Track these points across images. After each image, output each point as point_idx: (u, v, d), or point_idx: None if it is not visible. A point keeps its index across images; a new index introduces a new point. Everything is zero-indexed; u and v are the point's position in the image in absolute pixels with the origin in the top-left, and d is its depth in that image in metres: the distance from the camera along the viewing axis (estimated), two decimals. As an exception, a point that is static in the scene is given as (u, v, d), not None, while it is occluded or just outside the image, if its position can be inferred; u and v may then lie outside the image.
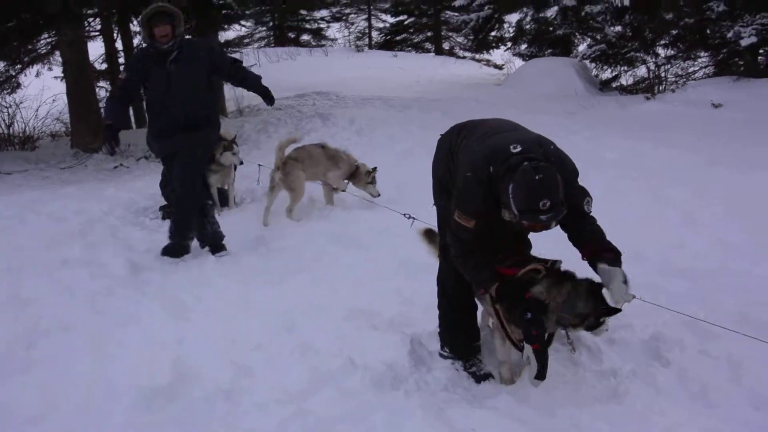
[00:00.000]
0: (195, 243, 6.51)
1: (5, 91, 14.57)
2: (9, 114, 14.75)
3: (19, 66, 14.47)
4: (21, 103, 14.63)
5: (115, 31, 15.61)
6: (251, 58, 20.70)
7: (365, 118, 12.59)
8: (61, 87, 14.34)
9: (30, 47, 14.05)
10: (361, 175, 7.69)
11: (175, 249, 6.36)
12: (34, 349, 4.35)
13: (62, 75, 14.42)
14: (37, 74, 15.35)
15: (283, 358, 4.20)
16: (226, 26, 15.05)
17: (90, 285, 5.46)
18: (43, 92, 14.92)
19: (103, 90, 15.98)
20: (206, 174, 7.33)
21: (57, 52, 14.46)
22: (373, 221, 6.97)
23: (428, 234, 4.83)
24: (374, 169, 7.72)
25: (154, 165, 10.83)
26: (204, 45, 6.20)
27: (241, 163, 7.98)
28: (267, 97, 6.33)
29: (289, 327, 4.63)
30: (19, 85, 14.73)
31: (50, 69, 15.45)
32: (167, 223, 7.42)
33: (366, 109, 13.93)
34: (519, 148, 3.37)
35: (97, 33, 15.32)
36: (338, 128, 11.92)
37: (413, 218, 5.37)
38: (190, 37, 6.13)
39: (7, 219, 7.38)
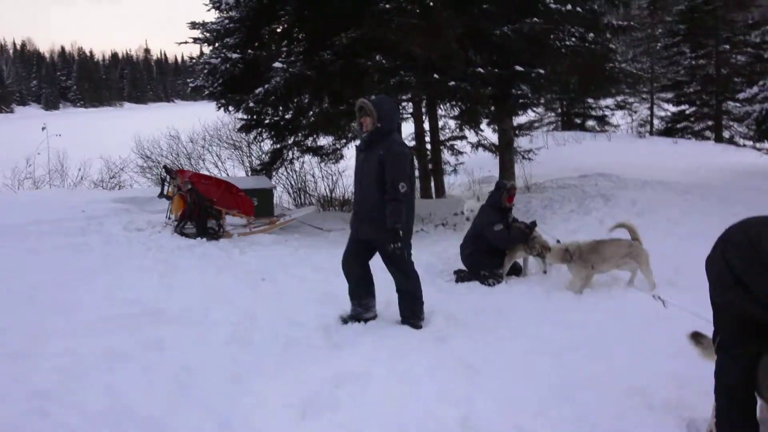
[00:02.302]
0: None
1: (331, 161, 16.14)
2: (332, 180, 16.56)
3: (343, 141, 15.98)
4: (343, 171, 16.36)
5: (424, 114, 16.85)
6: (540, 140, 21.07)
7: (646, 200, 12.10)
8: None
9: (353, 125, 15.61)
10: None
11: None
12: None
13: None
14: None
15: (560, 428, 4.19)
16: (520, 112, 15.50)
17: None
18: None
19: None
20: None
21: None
22: (646, 299, 6.68)
23: (695, 337, 4.46)
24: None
25: (450, 231, 11.42)
26: (386, 144, 5.62)
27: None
28: (386, 239, 5.74)
29: (569, 397, 4.56)
30: (342, 157, 16.19)
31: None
32: (461, 286, 7.83)
33: (646, 192, 13.38)
34: None
35: (408, 116, 16.69)
36: (620, 209, 11.58)
37: (662, 300, 5.08)
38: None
39: (325, 271, 8.12)
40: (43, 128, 23.53)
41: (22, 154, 18.35)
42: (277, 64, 10.83)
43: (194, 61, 14.06)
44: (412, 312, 6.08)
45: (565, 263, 7.32)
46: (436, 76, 10.69)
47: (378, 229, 5.74)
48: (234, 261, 8.70)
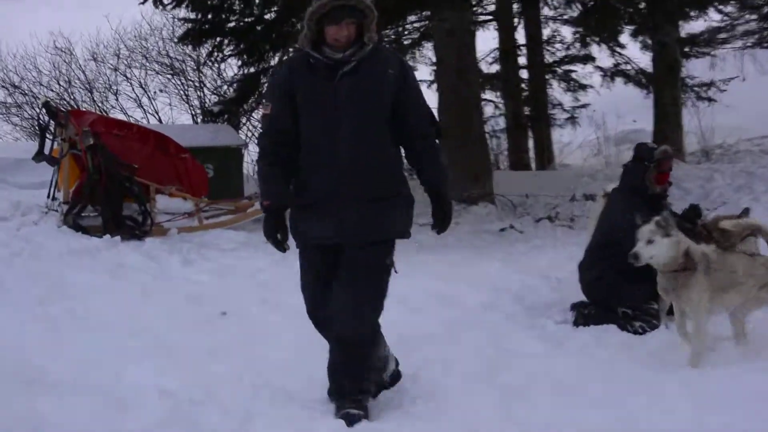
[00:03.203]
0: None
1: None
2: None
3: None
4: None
5: (516, 17, 16.67)
6: (729, 65, 20.65)
7: None
8: (428, 98, 15.69)
9: (386, 35, 15.42)
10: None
11: None
12: None
13: (431, 79, 15.73)
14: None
15: None
16: (693, 12, 15.26)
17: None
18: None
19: (489, 105, 17.17)
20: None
21: (427, 45, 15.81)
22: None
23: None
24: None
25: (561, 231, 11.24)
26: (393, 59, 5.76)
27: None
28: (439, 209, 5.81)
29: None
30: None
31: (414, 70, 17.02)
32: (584, 332, 7.65)
33: None
34: None
35: (488, 18, 16.54)
36: None
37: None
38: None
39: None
40: None
41: None
42: None
43: None
44: (355, 381, 5.96)
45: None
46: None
47: (390, 214, 5.69)
48: (171, 278, 8.75)
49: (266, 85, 4.86)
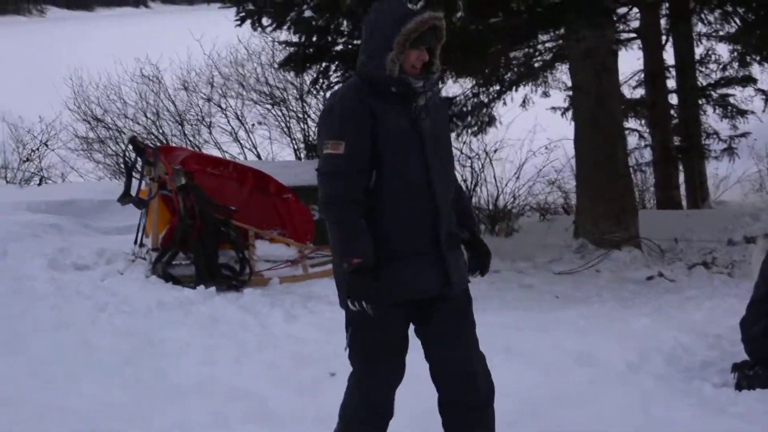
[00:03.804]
0: None
1: (471, 129, 16.26)
2: (475, 170, 16.46)
3: (494, 88, 16.02)
4: (495, 151, 16.34)
5: (664, 34, 16.54)
6: None
7: None
8: (563, 128, 15.56)
9: (514, 57, 15.52)
10: None
11: None
12: None
13: (565, 107, 15.69)
14: (524, 103, 16.90)
15: None
16: None
17: None
18: (532, 136, 16.31)
19: (633, 136, 17.04)
20: None
21: (560, 68, 15.76)
22: None
23: None
24: None
25: (719, 280, 11.08)
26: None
27: None
28: (479, 244, 5.84)
29: None
30: (491, 121, 16.29)
31: (546, 95, 16.95)
32: (746, 398, 7.53)
33: None
34: None
35: (631, 36, 16.42)
36: None
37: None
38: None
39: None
40: None
41: None
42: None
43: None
44: None
45: None
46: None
47: (463, 259, 5.77)
48: (273, 335, 8.79)
49: (326, 117, 4.68)
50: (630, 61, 16.75)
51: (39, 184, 17.38)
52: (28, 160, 18.78)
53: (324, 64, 14.06)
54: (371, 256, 5.33)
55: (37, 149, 19.00)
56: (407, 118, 5.52)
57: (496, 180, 16.11)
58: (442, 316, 5.53)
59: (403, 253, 5.49)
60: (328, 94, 17.03)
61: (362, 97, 5.46)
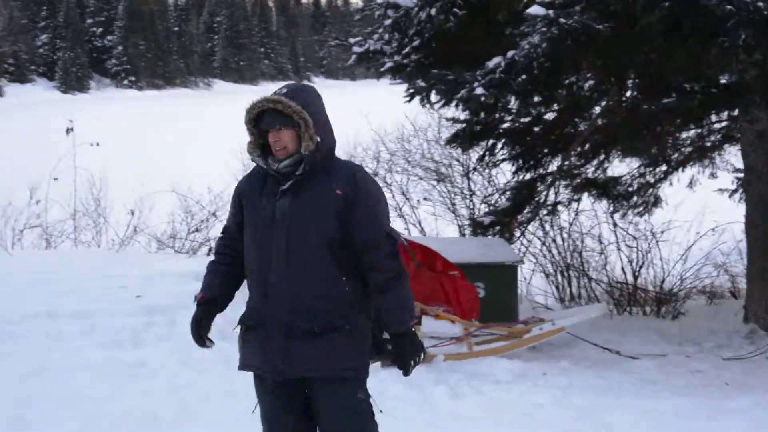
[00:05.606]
0: None
1: (636, 210, 16.02)
2: (641, 249, 16.24)
3: (661, 168, 15.81)
4: (662, 232, 16.14)
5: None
6: None
7: None
8: (730, 210, 15.24)
9: (683, 138, 15.28)
10: None
11: None
12: None
13: (733, 188, 15.32)
14: (690, 184, 16.58)
15: None
16: None
17: None
18: (701, 218, 15.93)
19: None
20: None
21: (729, 149, 15.40)
22: None
23: None
24: None
25: None
26: (344, 172, 5.89)
27: None
28: (396, 346, 6.07)
29: None
30: (657, 202, 16.09)
31: (713, 176, 16.57)
32: None
33: None
34: None
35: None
36: None
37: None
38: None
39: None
40: (68, 130, 24.45)
41: (22, 181, 19.44)
42: (535, 9, 10.73)
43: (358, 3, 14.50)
44: None
45: None
46: None
47: (338, 347, 5.85)
48: (438, 413, 8.79)
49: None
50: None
51: (207, 255, 17.62)
52: (197, 230, 19.00)
53: (491, 142, 13.98)
54: (208, 291, 5.95)
55: (206, 219, 19.21)
56: (268, 198, 5.78)
57: (662, 261, 15.82)
58: (315, 399, 5.83)
59: (247, 325, 5.83)
60: (493, 171, 17.04)
61: (251, 174, 6.00)
